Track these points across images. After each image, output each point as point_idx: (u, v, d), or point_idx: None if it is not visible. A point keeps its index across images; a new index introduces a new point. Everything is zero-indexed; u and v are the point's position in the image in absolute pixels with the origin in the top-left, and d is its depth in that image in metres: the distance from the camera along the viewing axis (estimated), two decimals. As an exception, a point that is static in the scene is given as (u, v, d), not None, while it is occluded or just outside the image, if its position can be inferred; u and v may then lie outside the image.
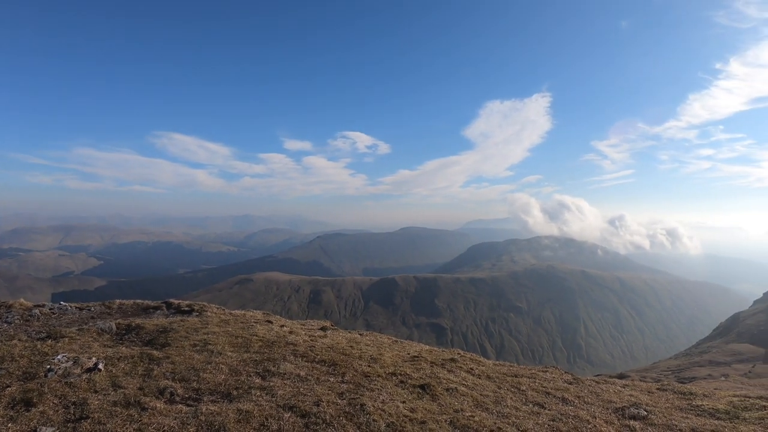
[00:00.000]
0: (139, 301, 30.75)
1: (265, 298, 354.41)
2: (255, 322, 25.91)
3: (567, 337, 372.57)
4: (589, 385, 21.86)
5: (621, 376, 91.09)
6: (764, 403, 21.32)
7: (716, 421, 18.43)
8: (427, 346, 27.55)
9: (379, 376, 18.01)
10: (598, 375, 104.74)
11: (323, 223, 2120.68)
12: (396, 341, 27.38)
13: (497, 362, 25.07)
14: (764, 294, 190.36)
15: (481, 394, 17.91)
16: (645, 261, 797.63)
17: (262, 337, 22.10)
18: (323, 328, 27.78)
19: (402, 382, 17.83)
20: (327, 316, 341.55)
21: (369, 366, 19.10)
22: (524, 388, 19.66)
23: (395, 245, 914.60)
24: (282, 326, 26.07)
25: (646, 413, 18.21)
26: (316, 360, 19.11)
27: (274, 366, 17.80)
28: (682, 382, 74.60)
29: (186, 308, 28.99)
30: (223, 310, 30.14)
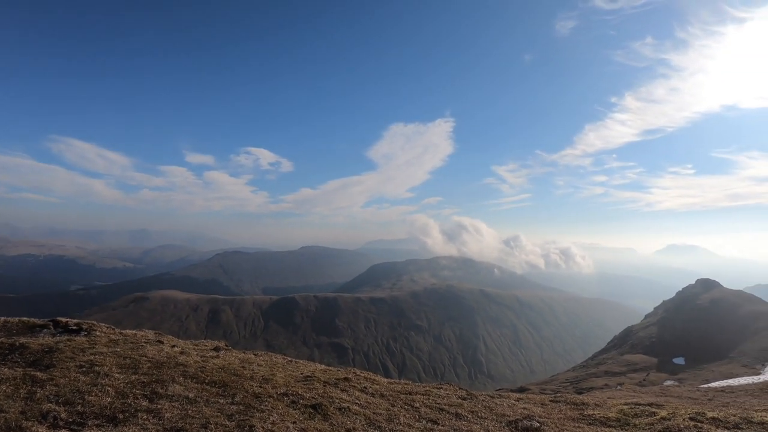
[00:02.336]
0: (25, 319, 29.27)
1: (162, 318, 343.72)
2: (145, 343, 24.92)
3: (468, 353, 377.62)
4: (483, 400, 22.15)
5: (521, 390, 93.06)
6: (653, 410, 22.16)
7: (607, 429, 19.04)
8: (322, 366, 27.27)
9: (270, 396, 17.52)
10: (498, 389, 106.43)
11: (223, 240, 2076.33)
12: (290, 361, 26.88)
13: (392, 380, 25.10)
14: (655, 308, 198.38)
15: (374, 413, 17.74)
16: (541, 280, 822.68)
17: (152, 358, 21.17)
18: (216, 349, 27.02)
19: (294, 402, 17.41)
20: (226, 336, 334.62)
21: (260, 386, 18.57)
22: (418, 405, 19.62)
23: (295, 264, 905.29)
24: (173, 347, 25.13)
25: (539, 425, 18.62)
26: (207, 381, 18.44)
27: (162, 388, 17.01)
28: (580, 393, 76.91)
29: (74, 327, 27.73)
30: (113, 329, 29.01)
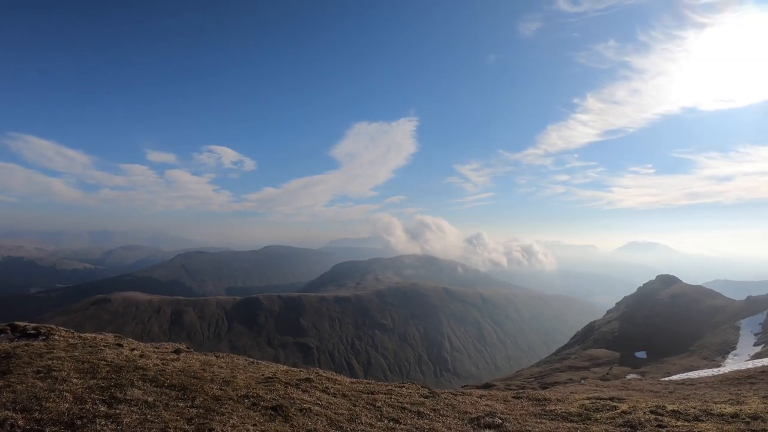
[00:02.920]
0: (-19, 324, 28.72)
1: (125, 320, 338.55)
2: (105, 346, 24.43)
3: (433, 351, 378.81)
4: (445, 398, 22.20)
5: (487, 386, 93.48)
6: (615, 404, 22.39)
7: (569, 424, 19.15)
8: (285, 367, 27.07)
9: (230, 399, 17.30)
10: (464, 386, 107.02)
11: (185, 240, 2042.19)
12: (252, 362, 26.63)
13: (354, 380, 25.02)
14: (616, 304, 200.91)
15: (335, 413, 17.65)
16: (504, 277, 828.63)
17: (111, 361, 20.76)
18: (177, 351, 26.60)
19: (254, 404, 17.22)
20: (190, 337, 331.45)
21: (221, 389, 18.32)
22: (380, 404, 19.61)
23: (259, 264, 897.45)
24: (133, 350, 24.70)
25: (501, 421, 18.67)
26: (166, 384, 18.08)
27: (121, 392, 16.62)
28: (545, 387, 77.42)
29: (32, 332, 27.15)
30: (72, 333, 28.50)
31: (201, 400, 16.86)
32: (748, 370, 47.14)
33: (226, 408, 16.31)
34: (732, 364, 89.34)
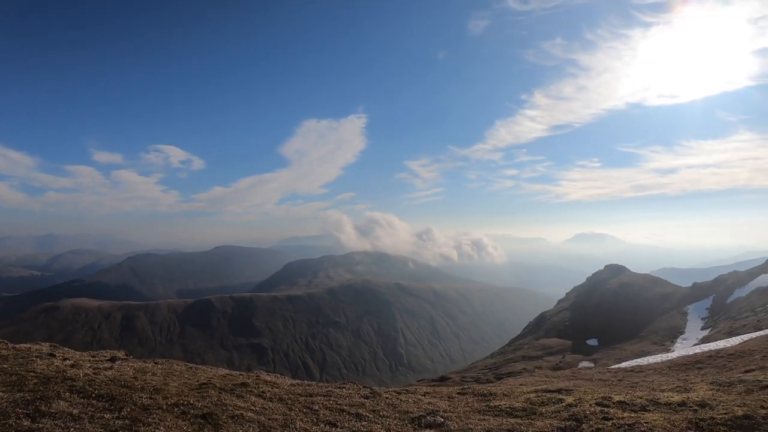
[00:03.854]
0: None
1: (74, 328, 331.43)
2: (37, 357, 23.22)
3: (387, 347, 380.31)
4: (386, 398, 21.55)
5: (442, 379, 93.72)
6: (561, 396, 22.04)
7: (513, 420, 18.68)
8: (223, 371, 26.12)
9: (159, 408, 16.24)
10: (420, 380, 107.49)
11: (134, 243, 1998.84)
12: (190, 368, 25.61)
13: (295, 382, 24.20)
14: (567, 294, 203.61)
15: (269, 419, 16.75)
16: (455, 271, 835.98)
17: (40, 373, 19.63)
18: (112, 359, 25.43)
19: (184, 413, 16.16)
20: (141, 343, 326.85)
21: (150, 398, 17.28)
22: (317, 407, 18.72)
23: (209, 265, 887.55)
24: (65, 359, 23.41)
25: (443, 420, 18.13)
26: (94, 395, 16.96)
27: (46, 405, 15.48)
28: (499, 378, 77.89)
29: (-39, 345, 26.07)
30: (7, 344, 27.11)
31: (128, 410, 15.77)
32: (695, 354, 47.69)
33: (153, 418, 15.27)
34: (681, 348, 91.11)
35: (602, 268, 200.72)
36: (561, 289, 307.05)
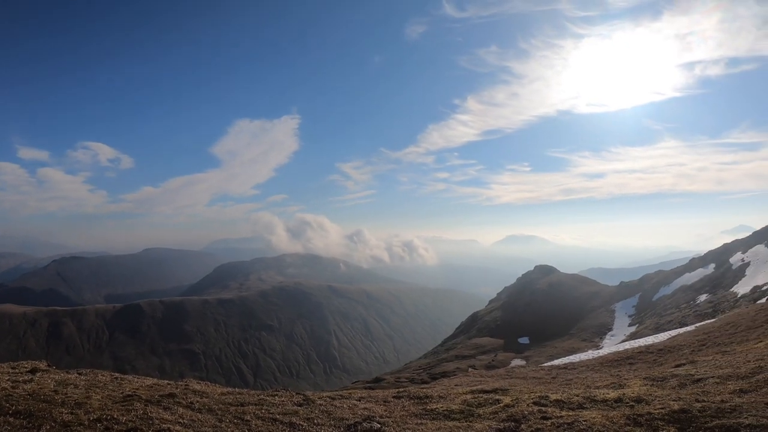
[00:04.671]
0: None
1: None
2: (-49, 371, 22.02)
3: (321, 349, 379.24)
4: (321, 404, 20.85)
5: (377, 380, 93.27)
6: (498, 397, 21.84)
7: (451, 423, 18.33)
8: (150, 381, 24.82)
9: (81, 424, 14.90)
10: (354, 381, 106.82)
11: (60, 246, 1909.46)
12: (115, 378, 24.18)
13: (225, 390, 23.15)
14: (498, 294, 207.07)
15: None
16: (386, 273, 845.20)
17: None
18: (33, 371, 23.72)
19: (107, 428, 14.82)
20: (69, 351, 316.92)
21: (72, 413, 15.85)
22: (249, 417, 17.65)
23: (138, 268, 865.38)
24: None
25: (379, 425, 17.64)
26: (11, 412, 15.37)
27: None
28: (434, 378, 77.98)
29: None
30: None
31: (48, 427, 14.41)
32: (626, 351, 48.46)
33: None
34: (610, 344, 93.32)
35: (532, 268, 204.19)
36: (492, 289, 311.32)
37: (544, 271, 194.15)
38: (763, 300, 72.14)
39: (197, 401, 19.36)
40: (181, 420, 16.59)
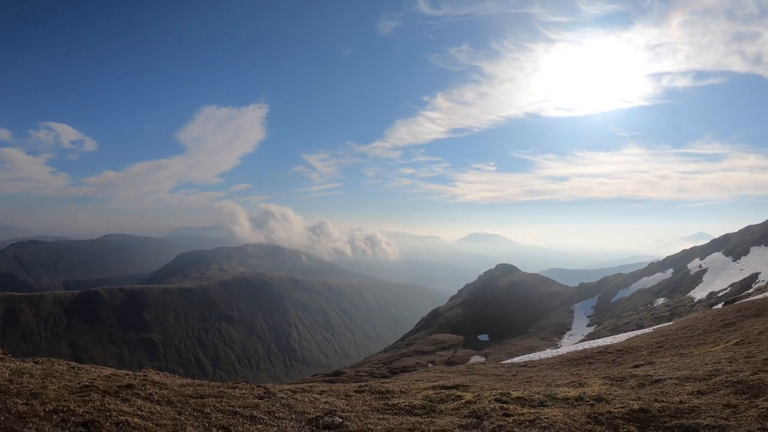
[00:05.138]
0: None
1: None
2: None
3: (281, 341, 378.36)
4: (282, 398, 20.55)
5: (336, 373, 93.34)
6: (459, 393, 21.72)
7: (413, 418, 18.17)
8: (108, 371, 24.26)
9: (36, 415, 14.47)
10: (314, 375, 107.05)
11: (19, 229, 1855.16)
12: (72, 368, 23.54)
13: (184, 382, 22.65)
14: (459, 291, 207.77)
15: (156, 425, 15.13)
16: (349, 266, 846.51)
17: None
18: None
19: (64, 420, 14.36)
20: (26, 338, 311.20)
21: (27, 404, 15.37)
22: (209, 410, 17.20)
23: (98, 254, 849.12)
24: None
25: (341, 420, 17.44)
26: None
27: None
28: (394, 373, 78.03)
29: None
30: None
31: (2, 419, 14.02)
32: (585, 350, 48.83)
33: (29, 427, 13.53)
34: (569, 344, 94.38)
35: (494, 267, 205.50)
36: (454, 286, 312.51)
37: (506, 270, 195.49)
38: (719, 305, 73.28)
39: (156, 393, 18.85)
40: (139, 412, 16.08)
